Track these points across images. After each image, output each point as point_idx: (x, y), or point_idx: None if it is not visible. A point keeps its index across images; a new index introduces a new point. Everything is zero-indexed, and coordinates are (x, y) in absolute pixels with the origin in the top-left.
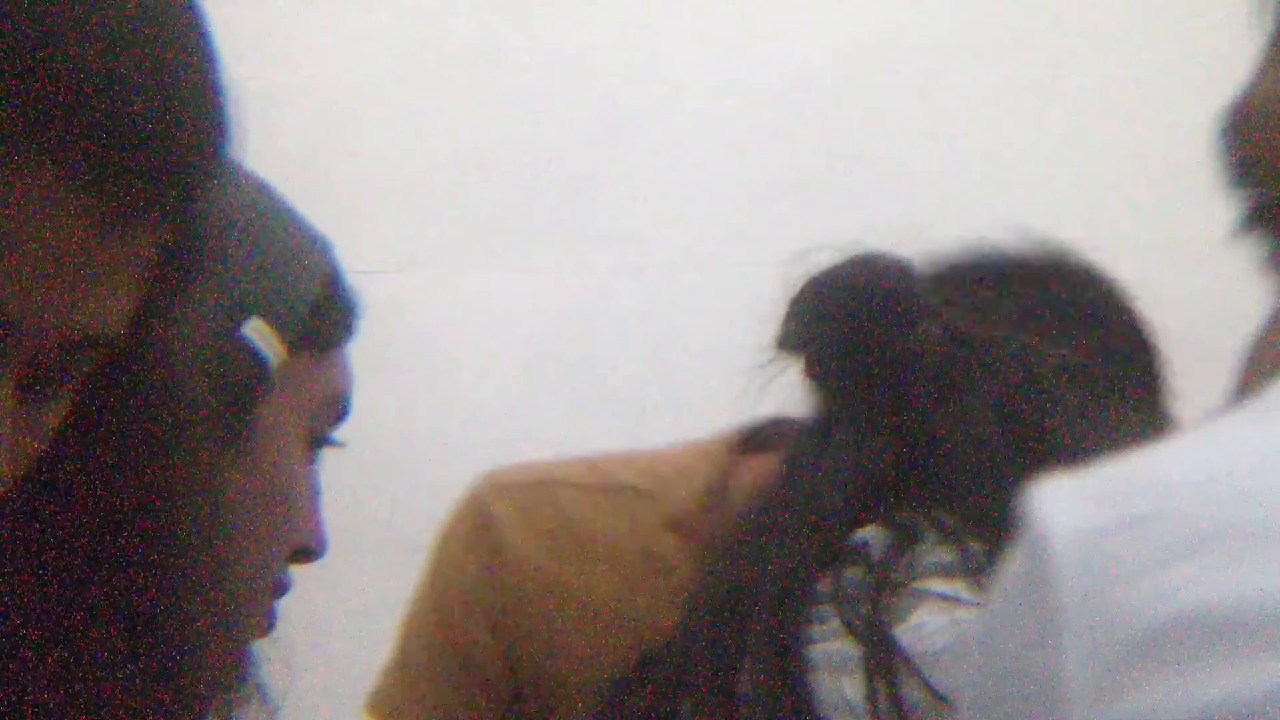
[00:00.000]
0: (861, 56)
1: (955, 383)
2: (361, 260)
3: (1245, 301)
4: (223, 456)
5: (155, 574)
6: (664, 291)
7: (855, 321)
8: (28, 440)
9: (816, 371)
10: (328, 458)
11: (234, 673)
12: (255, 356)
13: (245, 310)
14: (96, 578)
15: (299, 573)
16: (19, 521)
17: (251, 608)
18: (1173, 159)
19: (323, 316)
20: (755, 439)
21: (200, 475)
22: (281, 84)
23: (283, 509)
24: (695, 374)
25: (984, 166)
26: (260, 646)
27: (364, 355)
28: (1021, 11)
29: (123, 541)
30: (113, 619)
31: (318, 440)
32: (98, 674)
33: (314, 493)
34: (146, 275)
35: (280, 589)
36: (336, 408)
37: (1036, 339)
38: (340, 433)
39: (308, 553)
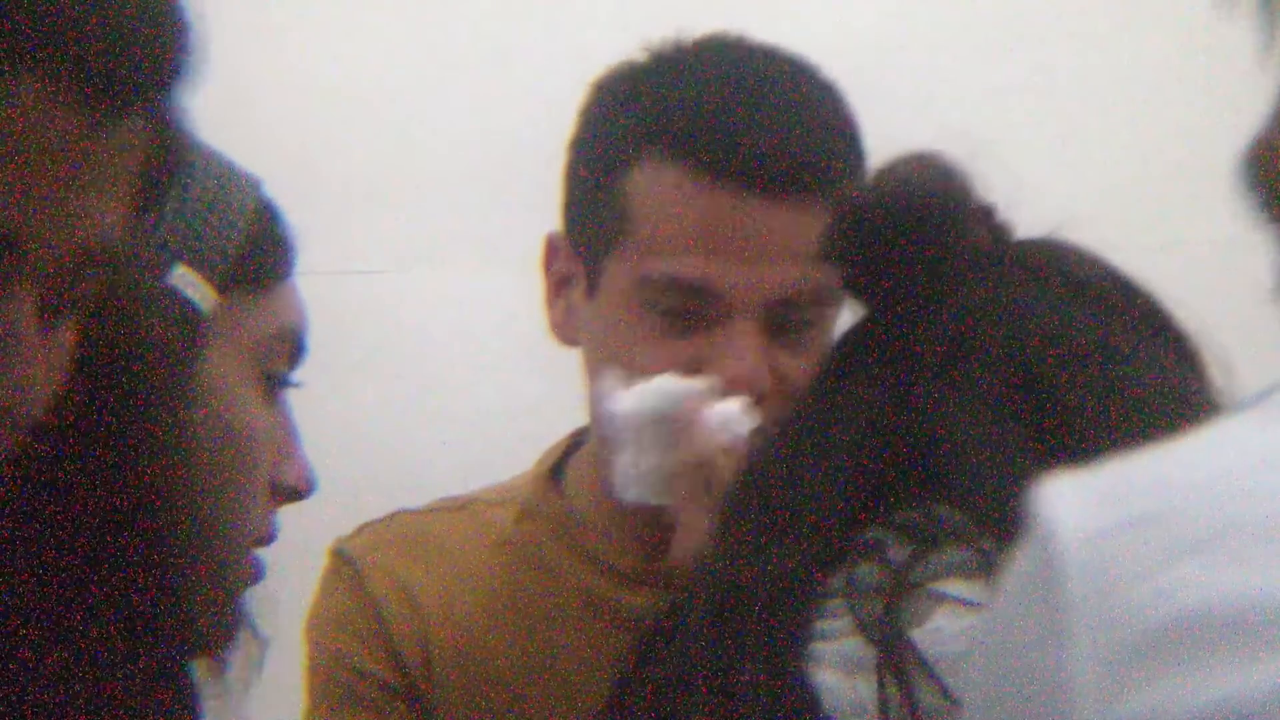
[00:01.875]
0: (861, 55)
1: (986, 314)
2: (361, 260)
3: (1245, 302)
4: (179, 415)
5: (155, 568)
6: None
7: (902, 223)
8: (50, 361)
9: (856, 279)
10: (328, 459)
11: (228, 625)
12: (186, 305)
13: (169, 258)
14: (96, 576)
15: (298, 573)
16: (17, 521)
17: (234, 557)
18: (1174, 159)
19: (254, 254)
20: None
21: (176, 447)
22: (280, 82)
23: (245, 454)
24: None
25: (985, 164)
26: (259, 636)
27: (363, 355)
28: (1023, 9)
29: (122, 536)
30: (113, 619)
31: (275, 380)
32: (98, 674)
33: (287, 432)
34: (135, 179)
35: (264, 537)
36: (289, 345)
37: (1075, 308)
38: (340, 432)
39: (294, 492)
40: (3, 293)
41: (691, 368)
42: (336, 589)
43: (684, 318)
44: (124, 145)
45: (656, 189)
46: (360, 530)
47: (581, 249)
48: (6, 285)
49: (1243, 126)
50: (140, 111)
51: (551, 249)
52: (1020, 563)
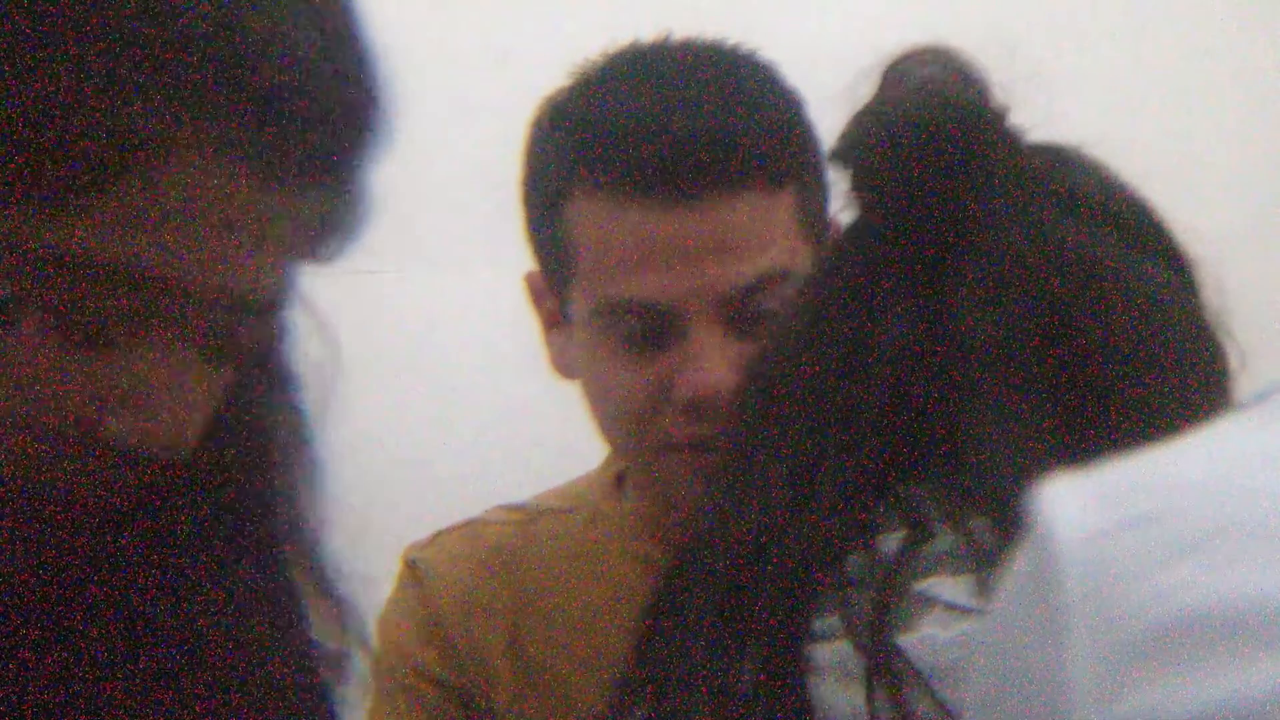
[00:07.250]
0: (861, 55)
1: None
2: (361, 260)
3: (1245, 299)
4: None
5: (153, 566)
6: None
7: (922, 125)
8: (208, 402)
9: (867, 180)
10: (327, 459)
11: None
12: None
13: None
14: (95, 576)
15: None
16: (16, 521)
17: None
18: (1175, 155)
19: None
20: None
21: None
22: None
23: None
24: None
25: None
26: None
27: (363, 355)
28: (1019, 8)
29: (120, 535)
30: (113, 619)
31: None
32: (98, 674)
33: None
34: (306, 243)
35: None
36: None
37: (1100, 236)
38: (340, 432)
39: None
40: (170, 338)
41: (662, 387)
42: (404, 595)
43: (646, 338)
44: (295, 209)
45: (590, 217)
46: (433, 539)
47: (550, 284)
48: (174, 331)
49: (1243, 123)
50: (317, 180)
51: (534, 288)
52: (1019, 563)
